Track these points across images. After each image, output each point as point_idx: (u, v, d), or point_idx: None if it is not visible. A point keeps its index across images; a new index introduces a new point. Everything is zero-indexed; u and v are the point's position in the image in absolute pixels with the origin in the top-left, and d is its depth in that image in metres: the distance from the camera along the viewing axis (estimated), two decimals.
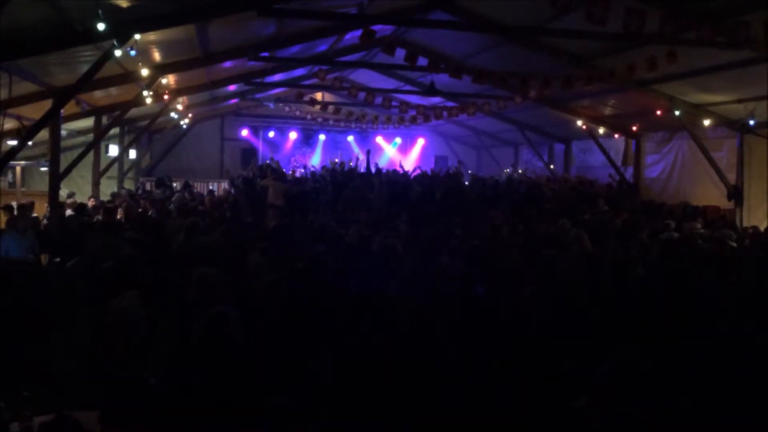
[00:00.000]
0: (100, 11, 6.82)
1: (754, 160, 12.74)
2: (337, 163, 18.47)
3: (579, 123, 16.63)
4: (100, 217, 10.95)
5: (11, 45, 7.39)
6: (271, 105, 20.86)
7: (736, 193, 12.77)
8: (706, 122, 13.10)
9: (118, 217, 11.01)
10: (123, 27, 7.73)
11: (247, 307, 4.64)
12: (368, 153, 16.35)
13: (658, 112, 13.68)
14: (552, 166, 20.12)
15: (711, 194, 13.63)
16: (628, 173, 16.64)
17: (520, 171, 20.09)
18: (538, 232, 9.82)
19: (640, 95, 13.17)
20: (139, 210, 12.19)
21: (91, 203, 12.89)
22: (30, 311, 5.70)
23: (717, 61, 10.31)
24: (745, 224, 12.05)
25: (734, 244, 9.08)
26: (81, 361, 4.71)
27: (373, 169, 15.50)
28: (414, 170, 17.11)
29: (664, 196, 15.04)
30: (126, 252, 6.65)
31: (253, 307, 4.77)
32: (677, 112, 12.98)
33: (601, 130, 16.88)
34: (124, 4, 7.56)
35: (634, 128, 16.15)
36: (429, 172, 17.35)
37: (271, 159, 17.96)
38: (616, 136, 16.92)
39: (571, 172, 19.26)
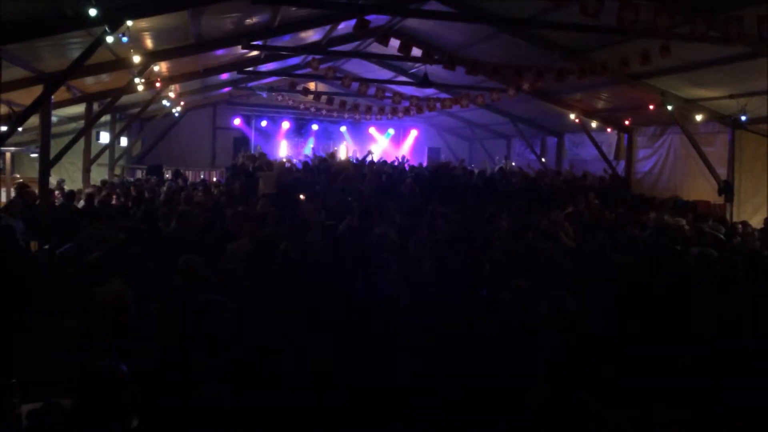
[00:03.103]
0: None
1: (745, 155, 12.81)
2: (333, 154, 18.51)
3: (572, 116, 16.66)
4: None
5: (1, 30, 7.32)
6: (264, 94, 20.78)
7: (726, 188, 12.84)
8: (698, 117, 13.13)
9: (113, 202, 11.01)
10: (115, 13, 7.69)
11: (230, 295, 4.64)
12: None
13: (651, 107, 13.70)
14: (543, 159, 20.16)
15: (702, 189, 13.69)
16: (620, 167, 16.70)
17: (513, 164, 20.07)
18: (532, 225, 9.83)
19: (633, 89, 13.20)
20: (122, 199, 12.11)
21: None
22: (19, 298, 5.66)
23: (709, 55, 10.34)
24: (735, 219, 12.11)
25: (722, 237, 9.13)
26: (70, 348, 4.70)
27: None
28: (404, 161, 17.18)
29: (656, 191, 15.12)
30: (118, 239, 6.62)
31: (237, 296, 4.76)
32: (669, 107, 13.02)
33: (593, 124, 16.91)
34: None
35: (627, 122, 16.20)
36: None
37: (258, 149, 17.87)
38: (609, 129, 16.96)
39: (563, 166, 19.29)
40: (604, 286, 5.76)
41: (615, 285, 5.70)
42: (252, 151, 19.02)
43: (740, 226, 10.57)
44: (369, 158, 16.80)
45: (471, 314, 5.00)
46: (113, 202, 11.64)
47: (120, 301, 4.38)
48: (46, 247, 8.07)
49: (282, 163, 16.17)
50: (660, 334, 4.53)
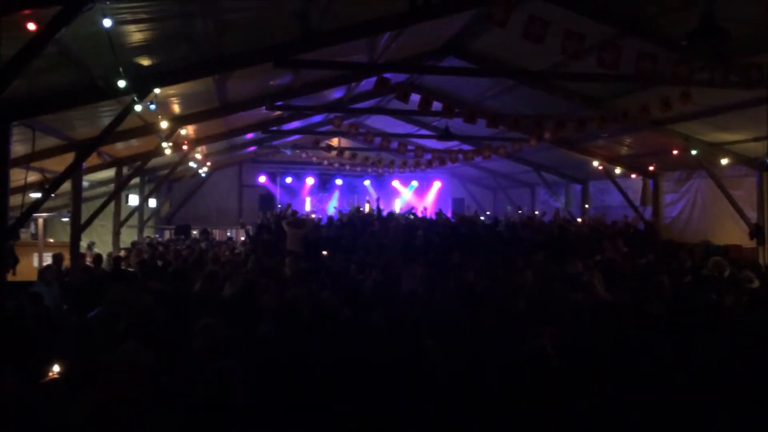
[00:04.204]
0: (121, 69, 7.00)
1: None
2: (358, 208, 18.62)
3: (595, 163, 16.61)
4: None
5: (35, 102, 7.60)
6: (288, 152, 21.15)
7: (758, 232, 12.59)
8: (724, 161, 13.02)
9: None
10: (143, 82, 7.93)
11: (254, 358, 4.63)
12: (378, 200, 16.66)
13: (675, 152, 13.63)
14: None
15: (733, 233, 13.44)
16: (647, 213, 16.51)
17: (537, 212, 19.96)
18: (560, 274, 9.72)
19: (656, 135, 13.16)
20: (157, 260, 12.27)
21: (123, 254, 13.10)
22: (49, 361, 5.70)
23: (731, 100, 10.31)
24: None
25: (756, 284, 8.90)
26: (93, 414, 4.68)
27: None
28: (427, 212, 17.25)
29: (685, 236, 14.89)
30: (146, 303, 6.68)
31: (261, 358, 4.74)
32: (694, 152, 12.92)
33: (617, 170, 16.83)
34: (145, 61, 7.77)
35: (651, 168, 16.10)
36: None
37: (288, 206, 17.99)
38: (634, 175, 16.85)
39: (589, 213, 19.15)
40: (636, 338, 5.62)
41: (648, 338, 5.55)
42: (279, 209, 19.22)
43: None
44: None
45: (499, 366, 4.92)
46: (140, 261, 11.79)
47: (137, 367, 4.39)
48: (74, 311, 8.14)
49: (311, 220, 16.32)
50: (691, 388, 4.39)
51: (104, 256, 12.68)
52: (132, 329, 4.82)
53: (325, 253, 12.59)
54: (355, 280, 9.39)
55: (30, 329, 6.13)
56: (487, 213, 20.47)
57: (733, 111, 10.77)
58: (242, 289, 7.54)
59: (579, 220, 17.70)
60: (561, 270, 10.20)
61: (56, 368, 4.70)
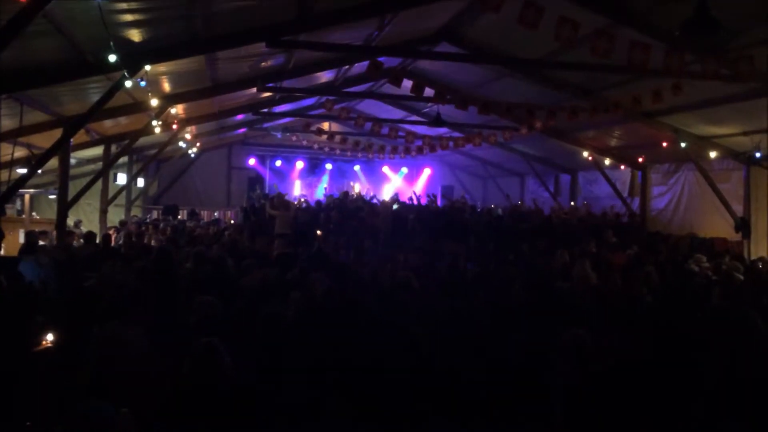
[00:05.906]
0: (112, 43, 6.92)
1: (760, 192, 12.71)
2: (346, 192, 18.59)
3: (585, 154, 16.67)
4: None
5: (23, 75, 7.51)
6: (279, 134, 21.05)
7: (743, 225, 12.71)
8: (712, 154, 13.10)
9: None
10: (134, 58, 7.85)
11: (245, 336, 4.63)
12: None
13: (664, 144, 13.70)
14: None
15: (719, 226, 13.57)
16: (635, 204, 16.63)
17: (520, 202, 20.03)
18: (547, 265, 9.77)
19: (646, 127, 13.22)
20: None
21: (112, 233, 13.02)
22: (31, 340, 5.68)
23: (721, 93, 10.36)
24: (753, 257, 11.95)
25: (741, 277, 9.00)
26: (81, 390, 4.68)
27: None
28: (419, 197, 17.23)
29: (671, 228, 15.00)
30: (134, 280, 6.66)
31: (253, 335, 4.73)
32: (683, 144, 13.00)
33: (607, 161, 16.91)
34: (136, 37, 7.69)
35: (640, 159, 16.18)
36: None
37: (276, 188, 17.96)
38: (622, 167, 16.95)
39: (577, 203, 19.24)
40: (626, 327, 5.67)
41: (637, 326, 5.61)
42: (267, 192, 19.19)
43: (760, 263, 10.43)
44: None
45: (488, 354, 4.94)
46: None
47: (122, 342, 4.38)
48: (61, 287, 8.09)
49: (299, 203, 16.30)
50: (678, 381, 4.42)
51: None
52: (118, 305, 4.81)
53: (319, 233, 12.66)
54: (343, 264, 9.38)
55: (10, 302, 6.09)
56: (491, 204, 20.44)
57: (722, 104, 10.83)
58: (213, 267, 7.54)
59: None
60: (549, 260, 10.25)
61: (50, 337, 4.70)
